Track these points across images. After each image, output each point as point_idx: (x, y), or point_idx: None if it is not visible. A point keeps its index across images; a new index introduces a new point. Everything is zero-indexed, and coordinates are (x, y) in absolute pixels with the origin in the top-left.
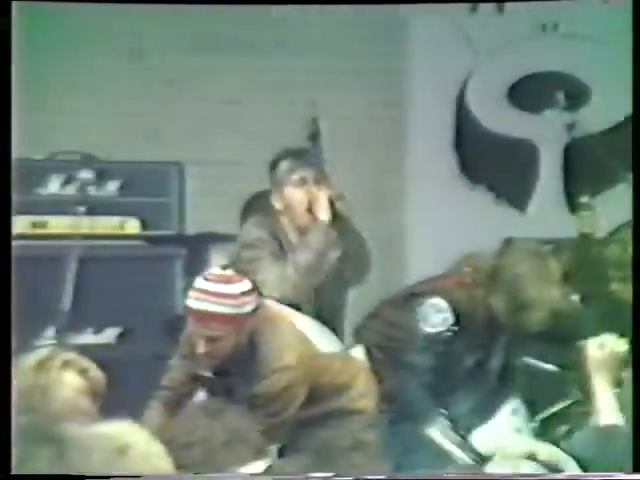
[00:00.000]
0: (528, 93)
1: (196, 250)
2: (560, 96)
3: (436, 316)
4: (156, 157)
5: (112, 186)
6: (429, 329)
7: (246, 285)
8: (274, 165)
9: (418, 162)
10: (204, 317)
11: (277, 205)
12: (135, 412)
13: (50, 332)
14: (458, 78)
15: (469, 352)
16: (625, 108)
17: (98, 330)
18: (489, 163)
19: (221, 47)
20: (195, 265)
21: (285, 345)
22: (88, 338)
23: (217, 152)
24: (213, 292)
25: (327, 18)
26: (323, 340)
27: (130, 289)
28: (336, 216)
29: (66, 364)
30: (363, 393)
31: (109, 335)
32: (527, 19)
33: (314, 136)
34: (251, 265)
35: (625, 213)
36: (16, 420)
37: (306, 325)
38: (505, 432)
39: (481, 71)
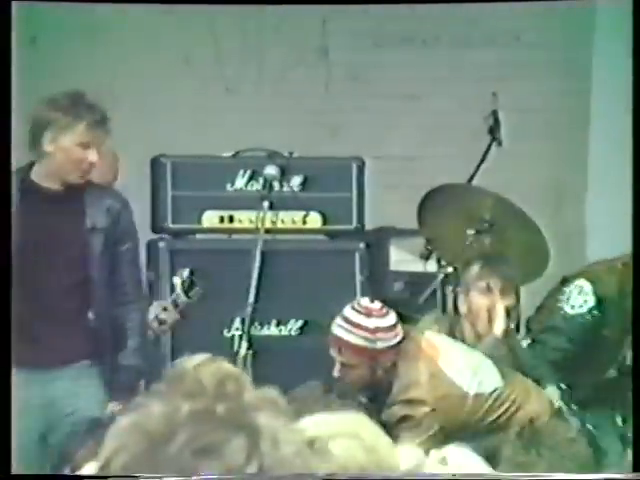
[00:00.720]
0: None
1: (375, 244)
2: None
3: (577, 298)
4: (338, 152)
5: (295, 182)
6: (569, 310)
7: (388, 321)
8: (467, 265)
9: (601, 155)
10: (340, 344)
11: (461, 308)
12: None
13: (236, 323)
14: None
15: (607, 337)
16: None
17: (281, 322)
18: None
19: (400, 43)
20: (374, 259)
21: (415, 381)
22: (272, 329)
23: (397, 147)
24: (352, 322)
25: (504, 12)
26: (478, 378)
27: (311, 282)
28: (509, 330)
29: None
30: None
31: (291, 327)
32: None
33: (493, 129)
34: None
35: None
36: (210, 408)
37: (461, 363)
38: None
39: None
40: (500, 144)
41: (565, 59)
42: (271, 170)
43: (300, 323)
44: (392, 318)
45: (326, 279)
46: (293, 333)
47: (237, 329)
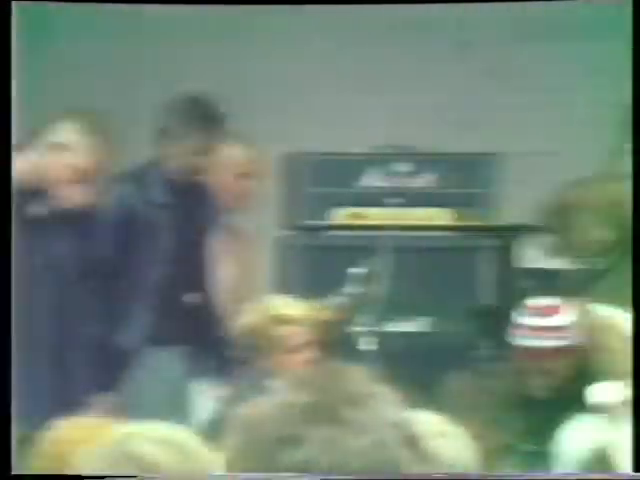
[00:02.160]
0: None
1: (509, 242)
2: None
3: None
4: (473, 148)
5: (427, 178)
6: None
7: (564, 313)
8: None
9: None
10: (533, 353)
11: None
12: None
13: (361, 319)
14: None
15: None
16: None
17: (411, 319)
18: None
19: (539, 35)
20: (507, 257)
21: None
22: (402, 326)
23: (532, 142)
24: (536, 326)
25: None
26: None
27: (439, 280)
28: None
29: None
30: None
31: (421, 324)
32: None
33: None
34: None
35: None
36: (294, 399)
37: None
38: None
39: None
40: None
41: None
42: (404, 167)
43: (427, 320)
44: (564, 309)
45: (457, 276)
46: (423, 330)
47: (362, 325)
